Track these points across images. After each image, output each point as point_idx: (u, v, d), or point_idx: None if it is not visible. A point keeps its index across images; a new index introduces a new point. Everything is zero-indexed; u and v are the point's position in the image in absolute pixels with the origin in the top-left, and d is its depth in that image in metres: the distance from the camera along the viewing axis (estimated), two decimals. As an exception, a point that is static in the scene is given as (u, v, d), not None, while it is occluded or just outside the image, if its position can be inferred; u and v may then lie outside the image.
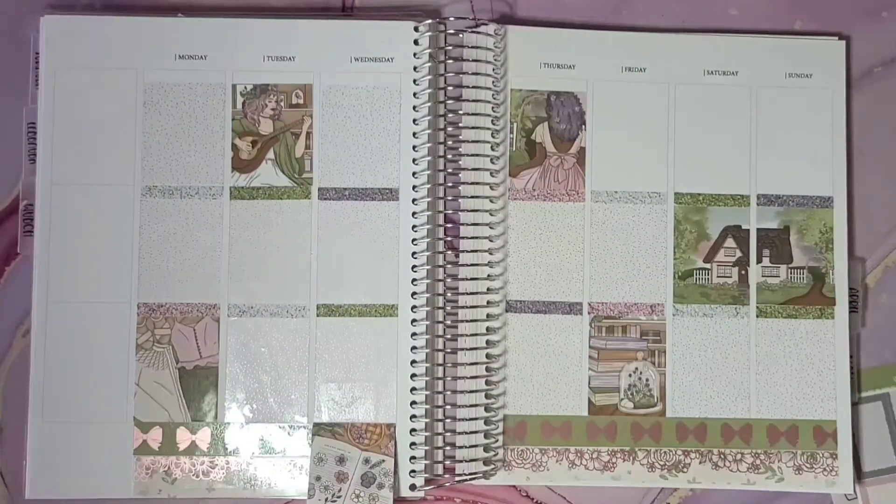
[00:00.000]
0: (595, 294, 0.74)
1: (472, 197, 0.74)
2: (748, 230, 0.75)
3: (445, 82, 0.74)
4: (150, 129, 0.74)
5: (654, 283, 0.74)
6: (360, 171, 0.74)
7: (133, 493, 0.72)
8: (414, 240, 0.74)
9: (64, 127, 0.73)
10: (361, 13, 0.76)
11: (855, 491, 0.74)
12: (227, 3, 0.76)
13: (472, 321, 0.73)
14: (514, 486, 0.74)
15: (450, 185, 0.74)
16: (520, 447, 0.73)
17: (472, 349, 0.73)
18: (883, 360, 0.75)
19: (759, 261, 0.75)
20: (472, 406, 0.73)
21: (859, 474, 0.74)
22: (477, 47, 0.74)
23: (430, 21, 0.74)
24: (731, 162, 0.75)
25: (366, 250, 0.74)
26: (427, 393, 0.73)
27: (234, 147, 0.74)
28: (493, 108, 0.74)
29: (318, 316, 0.74)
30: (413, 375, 0.73)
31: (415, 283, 0.73)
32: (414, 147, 0.74)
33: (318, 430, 0.73)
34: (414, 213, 0.74)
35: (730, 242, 0.75)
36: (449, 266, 0.74)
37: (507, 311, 0.74)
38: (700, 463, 0.73)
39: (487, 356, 0.73)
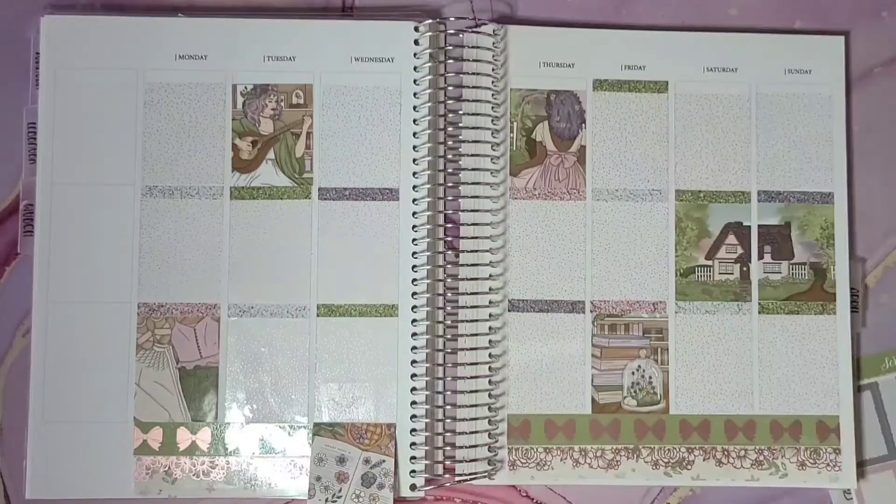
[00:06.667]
0: (597, 292, 0.74)
1: (472, 197, 0.74)
2: (749, 227, 0.75)
3: (445, 82, 0.74)
4: (150, 129, 0.74)
5: (656, 280, 0.74)
6: (360, 171, 0.74)
7: (133, 493, 0.72)
8: (414, 240, 0.74)
9: (64, 127, 0.73)
10: (361, 13, 0.76)
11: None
12: (227, 3, 0.76)
13: (472, 321, 0.73)
14: (514, 487, 0.74)
15: (450, 184, 0.74)
16: (524, 446, 0.73)
17: (472, 349, 0.73)
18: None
19: (760, 257, 0.75)
20: (472, 406, 0.72)
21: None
22: (477, 47, 0.74)
23: (430, 21, 0.74)
24: (732, 158, 0.75)
25: (366, 250, 0.74)
26: (427, 393, 0.73)
27: (235, 147, 0.74)
28: (493, 107, 0.74)
29: (318, 316, 0.73)
30: (413, 375, 0.73)
31: (415, 283, 0.73)
32: (414, 147, 0.74)
33: (319, 430, 0.73)
34: (414, 213, 0.74)
35: (731, 239, 0.75)
36: (449, 266, 0.74)
37: (508, 310, 0.74)
38: (704, 460, 0.73)
39: (489, 356, 0.73)
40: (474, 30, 0.74)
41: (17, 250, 0.74)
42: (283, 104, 0.74)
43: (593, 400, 0.73)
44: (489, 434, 0.73)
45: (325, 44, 0.75)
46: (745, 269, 0.75)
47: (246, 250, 0.74)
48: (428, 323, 0.73)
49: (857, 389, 0.75)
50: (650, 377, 0.74)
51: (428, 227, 0.74)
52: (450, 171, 0.74)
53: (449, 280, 0.73)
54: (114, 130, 0.74)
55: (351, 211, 0.74)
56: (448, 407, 0.72)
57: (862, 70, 0.77)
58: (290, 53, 0.75)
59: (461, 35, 0.74)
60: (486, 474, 0.72)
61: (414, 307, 0.73)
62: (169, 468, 0.72)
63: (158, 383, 0.73)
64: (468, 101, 0.74)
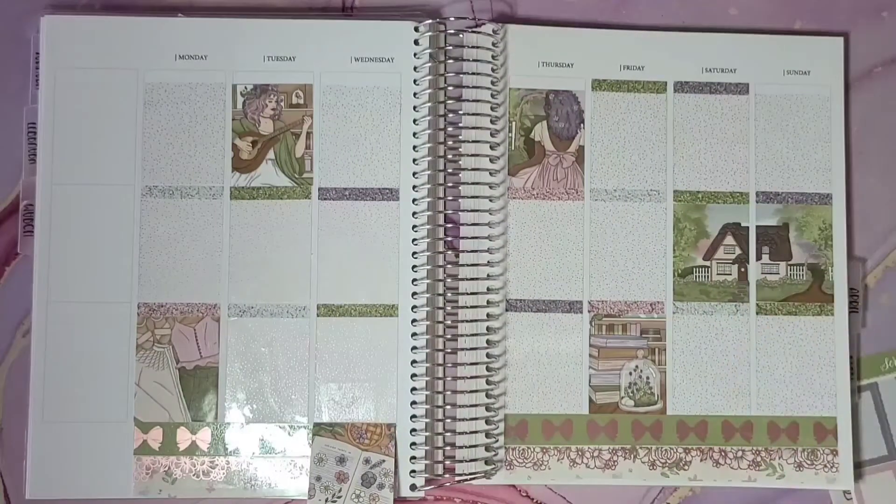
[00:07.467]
0: (595, 292, 0.74)
1: (472, 197, 0.74)
2: (747, 227, 0.75)
3: (445, 82, 0.74)
4: (150, 129, 0.74)
5: (654, 280, 0.74)
6: (360, 171, 0.74)
7: (133, 493, 0.72)
8: (414, 240, 0.74)
9: (64, 127, 0.73)
10: (361, 13, 0.77)
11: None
12: (227, 3, 0.76)
13: (472, 321, 0.73)
14: (513, 486, 0.74)
15: (450, 185, 0.74)
16: (521, 446, 0.73)
17: (472, 349, 0.73)
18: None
19: (758, 258, 0.75)
20: (472, 406, 0.73)
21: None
22: (477, 47, 0.74)
23: (430, 21, 0.74)
24: (730, 159, 0.75)
25: (366, 250, 0.74)
26: (427, 393, 0.73)
27: (235, 147, 0.74)
28: (492, 107, 0.74)
29: (318, 316, 0.73)
30: (413, 375, 0.73)
31: (415, 283, 0.73)
32: (414, 147, 0.74)
33: (319, 430, 0.73)
34: (414, 213, 0.74)
35: (729, 240, 0.75)
36: (449, 266, 0.74)
37: (507, 310, 0.74)
38: (701, 461, 0.73)
39: (488, 356, 0.73)
40: (474, 30, 0.74)
41: (17, 250, 0.74)
42: (283, 104, 0.75)
43: (590, 400, 0.74)
44: (487, 434, 0.73)
45: (325, 44, 0.75)
46: (742, 269, 0.75)
47: (246, 250, 0.74)
48: (428, 323, 0.73)
49: (857, 390, 0.75)
50: (647, 377, 0.74)
51: (428, 227, 0.74)
52: (450, 171, 0.74)
53: (449, 280, 0.73)
54: (114, 130, 0.74)
55: (351, 211, 0.74)
56: (448, 407, 0.72)
57: (861, 70, 0.77)
58: (290, 53, 0.75)
59: (461, 35, 0.74)
60: (485, 474, 0.72)
61: (414, 307, 0.73)
62: (169, 468, 0.72)
63: (158, 383, 0.73)
64: (468, 101, 0.74)
